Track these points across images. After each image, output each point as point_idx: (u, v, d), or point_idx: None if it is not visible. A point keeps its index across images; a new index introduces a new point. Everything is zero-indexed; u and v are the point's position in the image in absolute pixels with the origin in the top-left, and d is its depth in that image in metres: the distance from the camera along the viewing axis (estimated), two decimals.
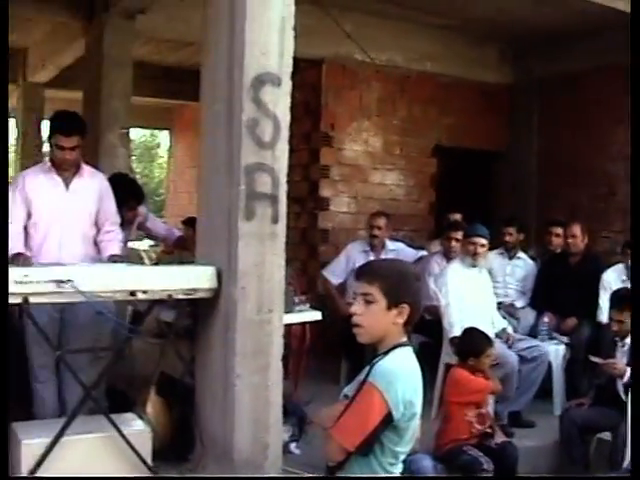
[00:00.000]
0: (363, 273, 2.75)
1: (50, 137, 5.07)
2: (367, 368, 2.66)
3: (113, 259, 5.05)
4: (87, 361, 4.99)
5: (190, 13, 4.91)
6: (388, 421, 2.56)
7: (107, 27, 7.08)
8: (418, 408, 2.65)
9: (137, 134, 27.97)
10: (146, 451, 4.52)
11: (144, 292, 4.49)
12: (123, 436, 4.42)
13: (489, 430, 5.22)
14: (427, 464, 4.76)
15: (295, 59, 4.58)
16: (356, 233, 8.62)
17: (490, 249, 6.76)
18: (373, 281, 2.67)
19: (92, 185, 5.19)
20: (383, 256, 7.17)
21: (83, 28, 7.51)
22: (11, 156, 18.52)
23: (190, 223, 6.41)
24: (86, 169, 5.22)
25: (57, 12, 7.51)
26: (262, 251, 4.48)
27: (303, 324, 6.36)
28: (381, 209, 8.20)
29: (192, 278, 4.57)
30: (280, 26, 4.43)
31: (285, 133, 4.52)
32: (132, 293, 4.46)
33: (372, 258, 7.02)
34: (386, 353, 2.65)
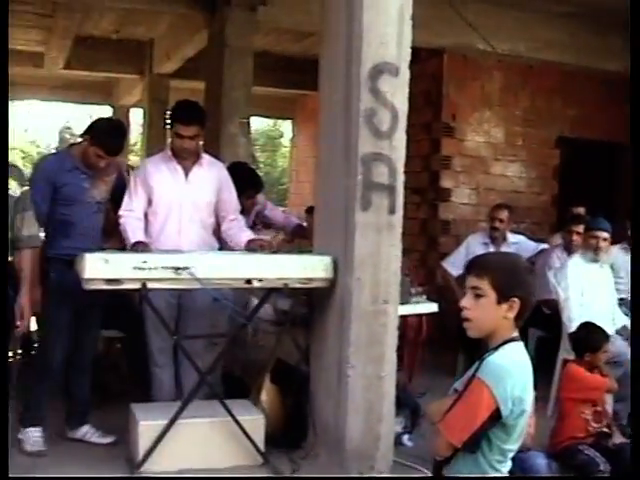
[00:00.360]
0: (473, 266, 2.69)
1: (171, 126, 5.14)
2: (477, 363, 2.61)
3: (253, 244, 4.98)
4: (203, 347, 5.08)
5: (310, 3, 4.92)
6: (496, 418, 2.50)
7: (229, 19, 7.16)
8: (528, 405, 2.57)
9: (261, 124, 28.36)
10: (259, 437, 4.58)
11: (260, 280, 4.56)
12: (237, 421, 4.50)
13: (607, 430, 5.06)
14: (540, 462, 4.64)
15: (416, 49, 4.53)
16: (477, 225, 8.51)
17: (613, 243, 6.55)
18: (483, 275, 2.61)
19: (211, 174, 5.24)
20: (504, 249, 7.05)
21: (205, 20, 7.63)
22: (138, 146, 19.06)
23: (313, 212, 6.44)
24: (206, 158, 5.28)
25: (180, 5, 7.66)
26: (378, 241, 4.47)
27: (420, 316, 6.31)
28: (502, 201, 8.06)
29: (308, 267, 4.59)
30: (398, 15, 4.39)
31: (403, 123, 4.48)
32: (248, 281, 4.53)
33: (492, 250, 6.91)
34: (496, 348, 2.59)
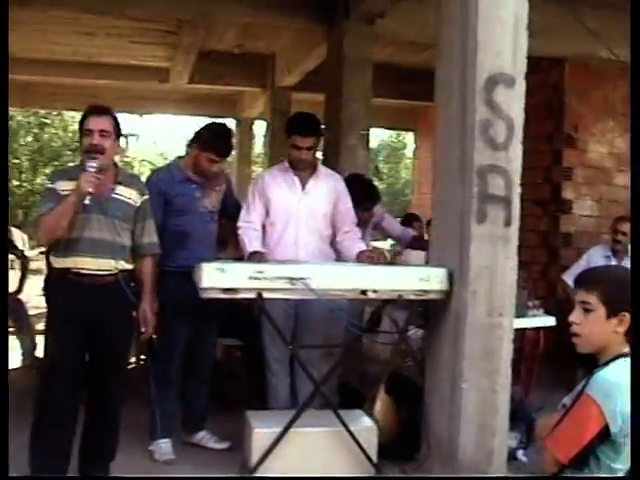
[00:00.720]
0: (582, 281, 2.65)
1: (288, 137, 5.23)
2: (586, 378, 2.56)
3: (363, 256, 5.05)
4: (319, 357, 5.13)
5: (428, 15, 4.91)
6: (605, 435, 2.45)
7: (347, 32, 7.23)
8: None
9: (384, 135, 28.42)
10: (371, 448, 4.60)
11: (374, 291, 4.57)
12: (349, 431, 4.52)
13: None
14: None
15: (536, 59, 4.48)
16: (599, 237, 8.30)
17: None
18: (592, 289, 2.56)
19: (328, 186, 5.29)
20: (626, 262, 6.86)
21: (325, 34, 7.72)
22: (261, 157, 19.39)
23: None
24: (322, 170, 5.35)
25: (300, 20, 7.77)
26: (494, 254, 4.42)
27: (537, 329, 6.21)
28: (626, 213, 7.84)
29: (423, 279, 4.58)
30: (514, 25, 4.35)
31: (519, 134, 4.42)
32: (363, 292, 4.55)
33: (614, 263, 6.74)
34: (607, 363, 2.55)
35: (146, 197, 4.50)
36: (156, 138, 30.92)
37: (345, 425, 4.55)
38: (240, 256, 5.19)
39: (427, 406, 4.72)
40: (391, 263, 5.02)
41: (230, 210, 5.38)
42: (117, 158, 4.63)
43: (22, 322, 7.74)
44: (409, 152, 25.85)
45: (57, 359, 4.28)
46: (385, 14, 7.16)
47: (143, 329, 4.47)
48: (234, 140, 5.18)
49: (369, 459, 4.57)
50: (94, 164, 4.13)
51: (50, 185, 4.38)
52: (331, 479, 4.53)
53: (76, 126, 4.47)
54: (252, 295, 4.36)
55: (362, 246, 5.24)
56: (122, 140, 4.62)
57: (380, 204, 6.73)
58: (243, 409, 4.95)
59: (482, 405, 4.39)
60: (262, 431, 4.55)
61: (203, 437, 5.23)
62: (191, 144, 5.16)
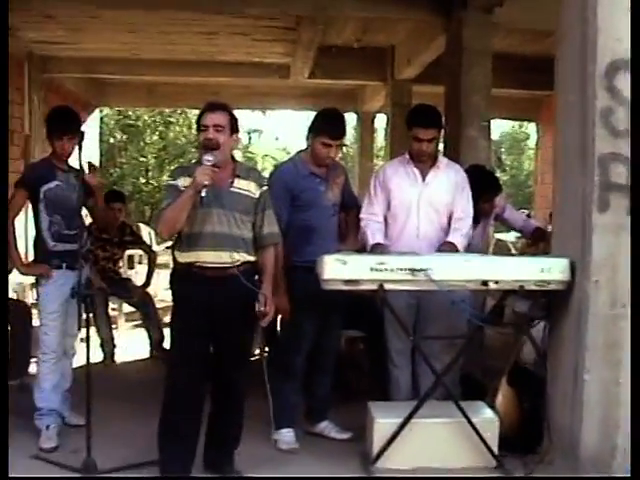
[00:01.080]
0: None
1: (409, 130, 5.28)
2: None
3: (440, 249, 5.13)
4: (441, 348, 5.17)
5: (547, 1, 4.88)
6: None
7: (465, 22, 7.21)
8: None
9: (506, 126, 28.03)
10: (493, 439, 4.63)
11: (496, 282, 4.60)
12: (471, 423, 4.57)
13: None
14: None
15: None
16: None
17: None
18: None
19: (448, 177, 5.32)
20: None
21: (443, 25, 7.71)
22: (382, 151, 19.43)
23: None
24: (442, 161, 5.38)
25: (418, 11, 7.79)
26: (617, 243, 4.38)
27: None
28: None
29: (545, 269, 4.57)
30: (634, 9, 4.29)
31: None
32: (484, 283, 4.58)
33: None
34: None
35: (265, 188, 4.60)
36: (278, 134, 31.27)
37: (466, 416, 4.59)
38: (360, 248, 5.29)
39: (549, 398, 4.71)
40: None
41: (348, 202, 5.48)
42: (238, 153, 4.76)
43: (150, 315, 8.01)
44: (532, 143, 25.44)
45: (183, 350, 4.45)
46: (503, 2, 7.11)
47: (263, 309, 4.55)
48: (352, 130, 5.25)
49: (490, 451, 4.60)
50: (210, 157, 4.27)
51: (171, 182, 4.53)
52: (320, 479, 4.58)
53: None
54: (374, 287, 4.45)
55: (455, 239, 5.22)
56: (241, 135, 4.74)
57: (502, 195, 6.70)
58: (365, 400, 5.05)
59: (605, 397, 4.36)
60: (384, 421, 4.65)
61: (326, 427, 5.34)
62: (308, 135, 5.26)
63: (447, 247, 5.13)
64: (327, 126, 5.14)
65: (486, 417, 4.75)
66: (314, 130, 5.16)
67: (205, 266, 4.38)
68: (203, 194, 4.26)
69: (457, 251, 5.11)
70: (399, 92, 11.35)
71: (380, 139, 20.36)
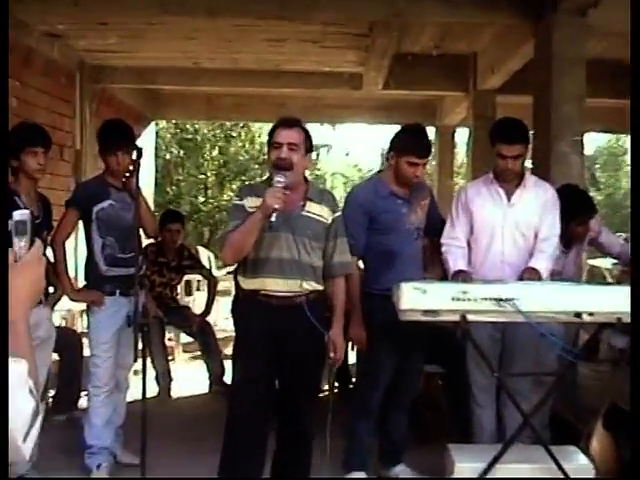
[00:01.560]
0: None
1: (493, 145, 5.26)
2: None
3: (521, 276, 5.07)
4: (529, 386, 5.13)
5: None
6: None
7: (556, 26, 7.14)
8: None
9: (601, 140, 27.73)
10: None
11: (590, 314, 4.52)
12: (562, 470, 4.49)
13: None
14: None
15: None
16: None
17: None
18: None
19: (536, 197, 5.28)
20: None
21: (531, 29, 7.64)
22: (463, 168, 19.36)
23: None
24: (530, 180, 5.34)
25: (503, 15, 7.74)
26: None
27: None
28: None
29: None
30: None
31: None
32: (577, 314, 4.51)
33: None
34: None
35: (338, 214, 4.64)
36: (349, 149, 31.42)
37: (557, 462, 4.52)
38: (446, 276, 5.28)
39: None
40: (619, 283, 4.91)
41: (435, 226, 5.47)
42: (307, 172, 4.80)
43: (210, 346, 8.08)
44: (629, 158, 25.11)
45: (246, 384, 4.49)
46: (598, 3, 7.03)
47: (332, 355, 4.60)
48: (433, 148, 5.24)
49: None
50: (282, 179, 4.28)
51: (237, 201, 4.58)
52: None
53: (264, 138, 4.68)
54: (455, 318, 4.43)
55: (538, 264, 5.15)
56: (313, 154, 4.78)
57: (597, 217, 6.62)
58: (444, 442, 5.02)
59: None
60: (465, 466, 4.60)
61: (401, 471, 5.33)
62: (388, 153, 5.28)
63: (528, 274, 5.06)
64: (413, 144, 5.15)
65: (579, 464, 4.68)
66: (398, 148, 5.17)
67: (271, 294, 4.41)
68: (273, 219, 4.27)
69: (540, 278, 5.04)
70: (482, 103, 11.30)
71: (461, 155, 20.30)
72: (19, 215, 1.94)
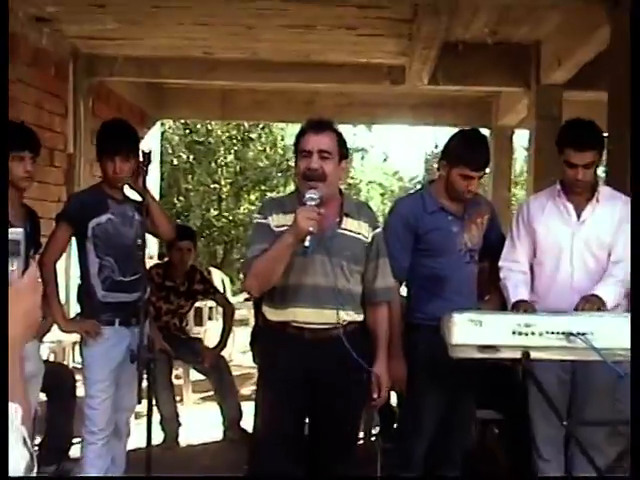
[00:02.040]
0: None
1: (560, 152, 5.20)
2: None
3: (577, 306, 4.95)
4: (604, 438, 5.09)
5: None
6: None
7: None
8: None
9: None
10: None
11: None
12: None
13: None
14: None
15: None
16: None
17: None
18: None
19: (611, 212, 5.22)
20: None
21: (606, 14, 7.62)
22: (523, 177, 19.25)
23: None
24: (604, 192, 5.28)
25: None
26: None
27: None
28: None
29: None
30: None
31: None
32: None
33: None
34: None
35: (378, 230, 4.61)
36: (388, 154, 31.41)
37: None
38: (505, 306, 5.24)
39: None
40: None
41: (493, 248, 5.42)
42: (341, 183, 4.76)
43: (224, 384, 7.96)
44: None
45: (271, 431, 4.47)
46: None
47: (375, 395, 4.57)
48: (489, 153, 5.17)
49: None
50: (314, 195, 4.21)
51: (261, 220, 4.53)
52: None
53: (287, 141, 4.67)
54: (516, 355, 4.39)
55: (596, 289, 5.05)
56: (348, 160, 4.74)
57: None
58: None
59: None
60: None
61: None
62: (440, 162, 5.25)
63: (587, 303, 4.94)
64: (468, 154, 5.09)
65: None
66: (450, 158, 5.13)
67: (303, 327, 4.39)
68: (307, 243, 4.21)
69: (603, 306, 4.95)
70: (546, 101, 11.24)
71: (520, 162, 20.24)
72: (12, 234, 1.92)
